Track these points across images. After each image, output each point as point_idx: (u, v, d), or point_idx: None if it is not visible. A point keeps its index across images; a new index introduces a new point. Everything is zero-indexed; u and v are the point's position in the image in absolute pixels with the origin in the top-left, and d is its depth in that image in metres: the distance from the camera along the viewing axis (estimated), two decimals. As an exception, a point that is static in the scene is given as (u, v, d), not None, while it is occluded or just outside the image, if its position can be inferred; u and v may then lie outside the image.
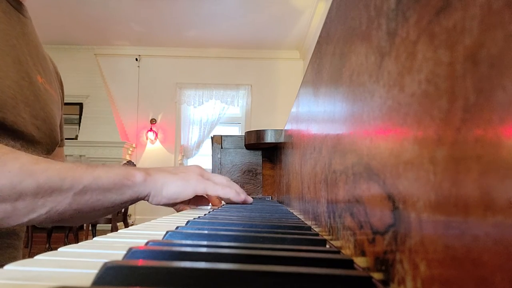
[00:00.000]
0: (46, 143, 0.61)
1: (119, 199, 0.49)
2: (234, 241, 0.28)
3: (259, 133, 1.14)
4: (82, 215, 0.48)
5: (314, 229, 0.39)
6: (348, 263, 0.21)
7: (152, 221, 0.44)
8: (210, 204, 0.73)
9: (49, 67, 0.67)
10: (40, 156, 0.44)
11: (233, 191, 0.61)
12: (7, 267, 0.19)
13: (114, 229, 2.94)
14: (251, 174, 1.25)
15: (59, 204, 0.44)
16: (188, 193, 0.55)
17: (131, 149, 4.77)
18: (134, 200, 0.51)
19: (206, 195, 0.68)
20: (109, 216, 2.94)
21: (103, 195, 0.47)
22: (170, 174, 0.55)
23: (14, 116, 0.52)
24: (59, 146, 0.73)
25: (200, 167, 0.61)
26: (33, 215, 0.42)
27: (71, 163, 0.47)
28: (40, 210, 0.42)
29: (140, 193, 0.51)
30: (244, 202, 0.67)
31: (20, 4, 0.60)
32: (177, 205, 0.63)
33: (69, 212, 0.45)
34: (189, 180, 0.55)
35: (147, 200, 0.53)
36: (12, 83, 0.52)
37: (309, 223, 0.45)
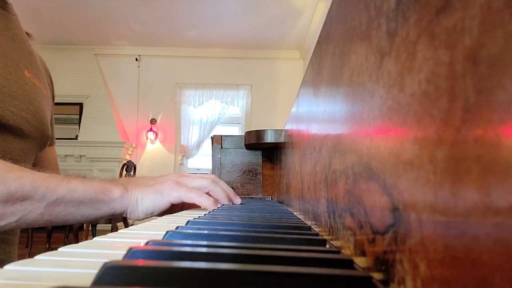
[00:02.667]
0: (36, 137, 0.60)
1: (94, 213, 0.48)
2: (234, 241, 0.28)
3: (259, 133, 1.14)
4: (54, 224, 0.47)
5: (314, 229, 0.39)
6: (348, 263, 0.21)
7: (152, 221, 0.44)
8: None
9: (38, 63, 0.66)
10: (32, 151, 0.44)
11: (209, 201, 0.56)
12: (7, 267, 0.19)
13: (114, 229, 2.94)
14: (251, 174, 1.25)
15: (30, 213, 0.43)
16: (163, 205, 0.53)
17: (131, 149, 4.77)
18: (110, 216, 0.51)
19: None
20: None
21: (77, 208, 0.46)
22: (146, 187, 0.53)
23: (1, 110, 0.52)
24: (50, 145, 0.72)
25: (179, 174, 0.58)
26: (2, 223, 0.42)
27: (47, 173, 0.46)
28: (10, 218, 0.42)
29: (116, 209, 0.50)
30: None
31: (5, 1, 0.59)
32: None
33: (40, 222, 0.44)
34: (163, 190, 0.53)
35: (127, 216, 0.52)
36: None
37: (309, 223, 0.45)
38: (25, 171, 0.43)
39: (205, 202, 0.55)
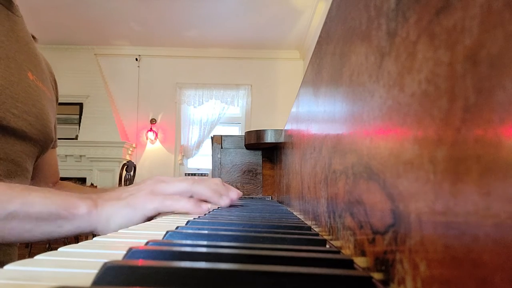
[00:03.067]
0: (39, 140, 0.59)
1: (57, 231, 0.43)
2: (234, 241, 0.28)
3: (259, 133, 1.14)
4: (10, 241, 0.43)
5: (314, 229, 0.39)
6: (348, 263, 0.21)
7: (152, 221, 0.44)
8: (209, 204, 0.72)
9: (42, 65, 0.65)
10: (34, 153, 0.42)
11: (190, 204, 0.49)
12: (7, 267, 0.19)
13: (114, 229, 2.94)
14: (251, 174, 1.25)
15: None
16: (138, 220, 0.47)
17: (131, 149, 4.77)
18: (77, 234, 0.45)
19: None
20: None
21: (34, 225, 0.41)
22: (118, 201, 0.47)
23: (2, 112, 0.51)
24: (52, 148, 0.70)
25: (155, 180, 0.52)
26: None
27: (4, 184, 0.42)
28: None
29: (82, 227, 0.44)
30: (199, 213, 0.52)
31: (11, 2, 0.59)
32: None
33: None
34: (136, 204, 0.47)
35: (96, 235, 0.48)
36: (0, 79, 0.52)
37: (309, 223, 0.45)
38: None
39: (185, 206, 0.49)
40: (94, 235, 0.34)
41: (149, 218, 0.49)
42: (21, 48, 0.59)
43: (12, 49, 0.56)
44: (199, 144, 4.84)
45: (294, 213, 0.62)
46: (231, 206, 0.64)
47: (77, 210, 0.44)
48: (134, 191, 0.49)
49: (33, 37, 0.66)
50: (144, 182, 0.52)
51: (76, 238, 3.20)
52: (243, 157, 1.26)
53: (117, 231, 0.44)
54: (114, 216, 0.46)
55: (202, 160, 4.84)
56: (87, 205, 0.45)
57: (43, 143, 0.62)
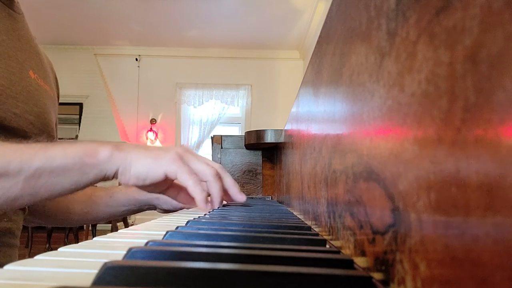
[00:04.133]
0: (41, 140, 0.58)
1: (83, 179, 0.44)
2: (234, 241, 0.28)
3: (259, 133, 1.14)
4: (42, 200, 0.43)
5: (314, 229, 0.39)
6: (348, 263, 0.21)
7: (152, 221, 0.44)
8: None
9: (44, 63, 0.65)
10: (15, 140, 0.42)
11: (201, 196, 0.48)
12: (7, 267, 0.19)
13: (114, 229, 2.94)
14: (251, 174, 1.25)
15: (9, 191, 0.40)
16: (158, 173, 0.46)
17: (131, 149, 4.77)
18: (102, 179, 0.46)
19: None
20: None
21: (62, 177, 0.42)
22: (144, 150, 0.47)
23: (3, 112, 0.51)
24: None
25: (186, 148, 0.51)
26: None
27: (21, 144, 0.42)
28: None
29: (107, 170, 0.45)
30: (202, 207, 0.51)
31: (11, 0, 0.58)
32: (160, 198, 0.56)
33: (25, 198, 0.41)
34: (162, 159, 0.47)
35: (117, 178, 0.47)
36: (1, 79, 0.51)
37: (309, 223, 0.45)
38: None
39: (197, 194, 0.47)
40: (94, 235, 0.35)
41: (160, 184, 0.48)
42: (22, 46, 0.58)
43: (13, 47, 0.56)
44: (199, 144, 4.84)
45: (294, 213, 0.62)
46: (231, 206, 0.64)
47: (98, 154, 0.44)
48: (164, 149, 0.49)
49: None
50: (170, 147, 0.51)
51: (76, 238, 3.21)
52: (243, 157, 1.26)
53: (136, 176, 0.45)
54: (137, 161, 0.46)
55: (202, 160, 4.83)
56: (108, 149, 0.45)
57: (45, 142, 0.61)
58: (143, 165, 0.46)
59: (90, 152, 0.44)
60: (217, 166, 0.53)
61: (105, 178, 0.46)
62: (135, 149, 0.47)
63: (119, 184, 0.69)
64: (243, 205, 0.68)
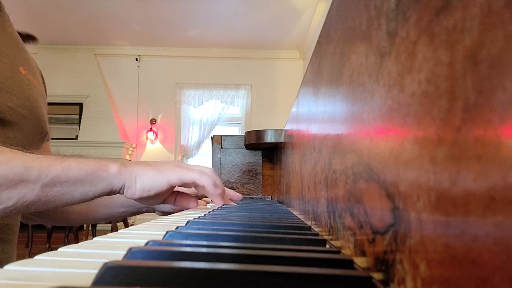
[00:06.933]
0: (34, 133, 0.61)
1: (92, 191, 0.47)
2: (234, 241, 0.28)
3: (259, 133, 1.14)
4: (55, 208, 0.46)
5: (314, 229, 0.39)
6: (348, 263, 0.21)
7: (152, 221, 0.44)
8: (210, 204, 0.72)
9: (31, 61, 0.67)
10: (30, 146, 0.44)
11: (210, 180, 0.54)
12: (7, 267, 0.19)
13: (114, 229, 2.94)
14: (251, 174, 1.25)
15: (26, 196, 0.42)
16: (162, 184, 0.51)
17: (131, 149, 4.77)
18: (108, 193, 0.50)
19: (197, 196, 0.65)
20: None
21: (74, 187, 0.46)
22: (146, 166, 0.52)
23: (0, 106, 0.52)
24: (46, 140, 0.72)
25: (181, 162, 0.58)
26: None
27: (39, 154, 0.45)
28: (5, 202, 0.41)
29: (114, 185, 0.49)
30: (217, 199, 0.58)
31: None
32: (161, 206, 0.60)
33: (38, 204, 0.44)
34: (164, 170, 0.52)
35: (122, 194, 0.51)
36: None
37: (309, 223, 0.45)
38: (16, 153, 0.43)
39: (206, 182, 0.54)
40: (94, 235, 0.35)
41: (164, 193, 0.53)
42: (12, 43, 0.60)
43: (4, 44, 0.57)
44: (199, 144, 4.84)
45: (294, 213, 0.62)
46: (231, 206, 0.64)
47: (108, 169, 0.48)
48: (163, 163, 0.54)
49: (32, 36, 0.67)
50: (167, 161, 0.57)
51: (76, 238, 3.21)
52: (243, 157, 1.26)
53: (141, 189, 0.50)
54: (142, 176, 0.50)
55: (202, 160, 4.84)
56: (117, 165, 0.50)
57: (39, 136, 0.62)
58: (147, 178, 0.51)
59: (101, 166, 0.48)
60: (210, 170, 0.59)
61: (111, 192, 0.50)
62: (139, 165, 0.52)
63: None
64: (242, 205, 0.68)
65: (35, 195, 0.43)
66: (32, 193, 0.42)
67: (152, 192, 0.51)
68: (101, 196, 0.49)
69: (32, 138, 0.60)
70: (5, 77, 0.54)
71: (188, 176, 0.53)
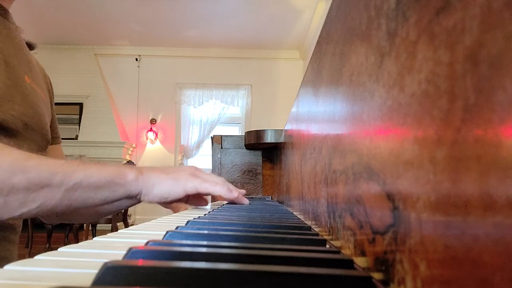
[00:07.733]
0: (37, 140, 0.62)
1: (111, 196, 0.50)
2: (234, 241, 0.28)
3: (259, 133, 1.14)
4: (77, 211, 0.48)
5: (314, 229, 0.39)
6: (348, 263, 0.21)
7: (152, 221, 0.44)
8: (210, 204, 0.73)
9: (36, 70, 0.69)
10: (33, 153, 0.45)
11: (224, 188, 0.60)
12: (7, 267, 0.19)
13: (114, 229, 2.94)
14: (251, 174, 1.25)
15: (50, 199, 0.44)
16: (179, 192, 0.55)
17: (131, 149, 4.77)
18: (127, 198, 0.52)
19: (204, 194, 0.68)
20: (109, 216, 2.94)
21: (95, 192, 0.48)
22: (163, 174, 0.56)
23: (3, 113, 0.54)
24: (57, 143, 0.76)
25: (194, 167, 0.61)
26: (24, 209, 0.43)
27: (63, 160, 0.48)
28: (31, 204, 0.43)
29: (131, 191, 0.52)
30: (237, 201, 0.67)
31: (6, 11, 0.62)
32: (174, 204, 0.63)
33: (60, 207, 0.46)
34: (180, 179, 0.56)
35: (139, 198, 0.54)
36: (0, 82, 0.54)
37: (309, 223, 0.45)
38: (42, 159, 0.45)
39: (220, 190, 0.59)
40: (94, 235, 0.35)
41: (184, 199, 0.57)
42: (17, 53, 0.62)
43: (10, 54, 0.59)
44: (199, 144, 4.84)
45: (294, 213, 0.62)
46: (231, 206, 0.65)
47: (127, 176, 0.51)
48: (177, 170, 0.58)
49: (31, 44, 0.69)
50: (183, 167, 0.62)
51: (76, 238, 3.21)
52: (243, 157, 1.26)
53: (159, 196, 0.54)
54: (159, 184, 0.54)
55: (202, 160, 4.84)
56: (134, 173, 0.52)
57: (41, 143, 0.64)
58: (164, 186, 0.54)
59: (120, 173, 0.51)
60: (222, 178, 0.64)
61: (129, 197, 0.53)
62: (155, 172, 0.55)
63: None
64: (242, 205, 0.69)
65: (58, 199, 0.45)
66: (56, 197, 0.45)
67: (169, 200, 0.55)
68: (120, 200, 0.52)
69: (35, 146, 0.62)
70: (8, 86, 0.56)
71: (203, 187, 0.57)
